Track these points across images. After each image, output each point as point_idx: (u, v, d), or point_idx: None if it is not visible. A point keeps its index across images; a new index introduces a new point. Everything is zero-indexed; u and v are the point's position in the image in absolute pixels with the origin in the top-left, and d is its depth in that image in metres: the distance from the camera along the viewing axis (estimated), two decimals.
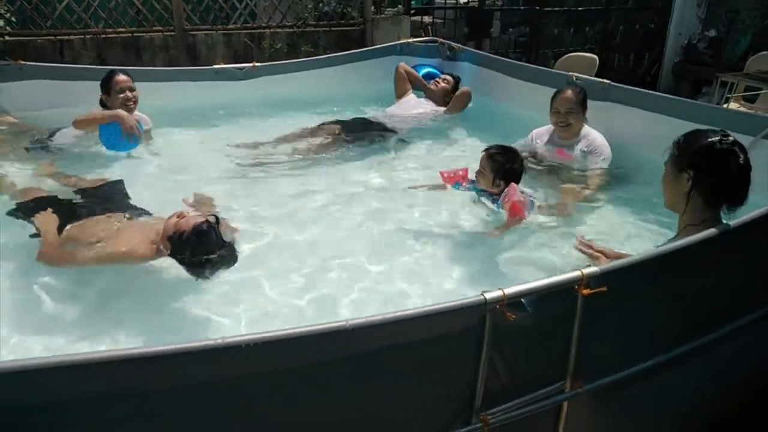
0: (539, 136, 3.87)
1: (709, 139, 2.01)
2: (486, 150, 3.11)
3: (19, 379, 1.13)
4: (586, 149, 3.64)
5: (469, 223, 3.13)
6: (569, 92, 3.62)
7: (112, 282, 2.52)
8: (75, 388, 1.19)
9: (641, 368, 1.81)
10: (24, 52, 5.24)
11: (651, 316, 1.83)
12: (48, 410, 1.20)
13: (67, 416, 1.23)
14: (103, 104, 3.89)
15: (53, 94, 4.35)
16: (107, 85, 3.85)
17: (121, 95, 3.80)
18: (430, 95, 4.94)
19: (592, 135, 3.67)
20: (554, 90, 3.75)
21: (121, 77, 3.86)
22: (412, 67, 5.19)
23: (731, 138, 2.01)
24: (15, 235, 2.77)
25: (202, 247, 2.30)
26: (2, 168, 3.50)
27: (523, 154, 3.45)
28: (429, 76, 5.19)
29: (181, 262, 2.38)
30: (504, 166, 3.02)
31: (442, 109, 4.85)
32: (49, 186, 3.30)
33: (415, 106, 4.85)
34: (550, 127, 3.81)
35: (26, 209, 2.84)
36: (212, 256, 2.31)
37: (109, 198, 3.01)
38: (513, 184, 2.98)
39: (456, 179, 3.23)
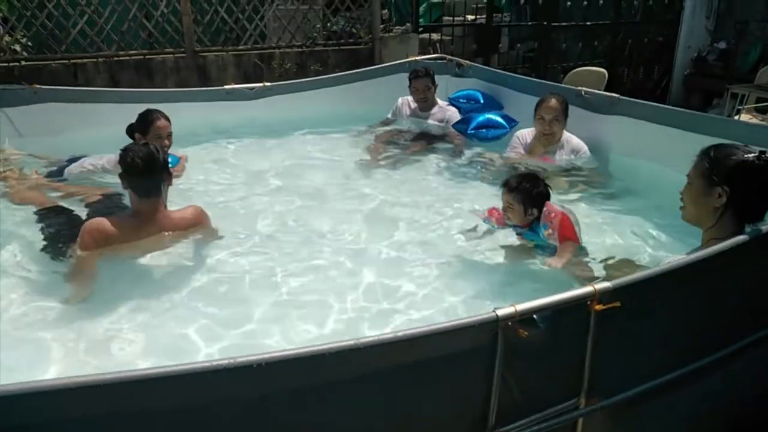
0: (523, 138, 4.09)
1: (746, 156, 1.98)
2: (504, 184, 2.86)
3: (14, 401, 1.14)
4: (569, 153, 3.91)
5: (483, 241, 3.09)
6: (553, 101, 3.85)
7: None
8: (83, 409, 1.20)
9: (657, 384, 1.79)
10: (39, 76, 5.35)
11: (666, 331, 1.81)
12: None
13: None
14: (132, 137, 3.70)
15: (68, 116, 4.40)
16: (146, 127, 3.63)
17: (159, 141, 3.58)
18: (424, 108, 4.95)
19: (573, 140, 3.94)
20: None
21: (163, 122, 3.65)
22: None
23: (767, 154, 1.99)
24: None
25: (134, 151, 2.69)
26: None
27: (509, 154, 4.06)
28: (468, 98, 5.09)
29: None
30: (531, 193, 2.77)
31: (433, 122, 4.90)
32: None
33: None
34: (532, 130, 4.05)
35: (42, 218, 3.00)
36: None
37: (107, 208, 3.11)
38: (548, 202, 2.74)
39: (485, 216, 3.06)
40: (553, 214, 2.66)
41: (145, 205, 2.76)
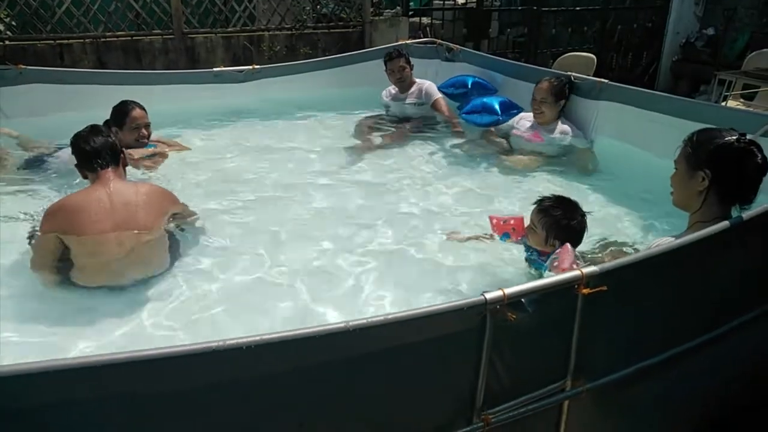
0: (524, 118, 4.27)
1: (727, 138, 2.00)
2: (538, 202, 2.57)
3: (12, 383, 1.14)
4: (558, 135, 4.05)
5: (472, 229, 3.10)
6: (545, 83, 4.02)
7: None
8: (73, 391, 1.20)
9: (643, 366, 1.81)
10: (24, 57, 5.27)
11: (652, 315, 1.83)
12: (37, 415, 1.21)
13: (61, 421, 1.23)
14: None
15: (53, 98, 4.34)
16: (121, 119, 3.56)
17: (137, 132, 3.59)
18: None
19: (565, 126, 4.06)
20: None
21: (138, 112, 3.58)
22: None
23: (748, 137, 2.00)
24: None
25: (81, 136, 2.74)
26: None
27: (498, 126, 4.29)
28: (478, 86, 4.89)
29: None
30: (560, 223, 2.46)
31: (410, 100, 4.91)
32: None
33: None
34: None
35: None
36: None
37: None
38: (567, 245, 2.33)
39: (505, 229, 2.74)
40: (557, 266, 2.25)
41: (102, 175, 2.65)
